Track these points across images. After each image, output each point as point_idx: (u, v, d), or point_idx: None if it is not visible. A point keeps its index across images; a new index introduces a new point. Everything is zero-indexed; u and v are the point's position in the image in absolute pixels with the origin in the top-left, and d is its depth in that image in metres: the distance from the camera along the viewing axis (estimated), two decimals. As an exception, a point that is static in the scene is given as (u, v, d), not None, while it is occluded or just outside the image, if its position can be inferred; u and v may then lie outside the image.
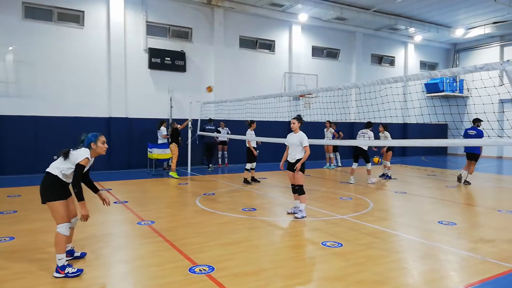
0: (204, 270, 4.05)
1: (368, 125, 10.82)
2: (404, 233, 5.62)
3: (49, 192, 3.95)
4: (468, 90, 20.66)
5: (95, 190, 4.30)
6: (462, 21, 18.44)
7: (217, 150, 14.58)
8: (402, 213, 7.24)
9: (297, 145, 6.50)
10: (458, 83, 20.96)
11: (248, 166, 10.33)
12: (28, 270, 4.04)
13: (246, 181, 10.27)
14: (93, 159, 4.11)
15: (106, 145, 4.17)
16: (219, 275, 3.91)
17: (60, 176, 3.98)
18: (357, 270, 4.11)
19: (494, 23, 18.50)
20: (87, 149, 4.04)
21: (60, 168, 3.98)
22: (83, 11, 12.73)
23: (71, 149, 4.04)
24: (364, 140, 10.45)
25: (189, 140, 12.95)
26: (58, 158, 4.04)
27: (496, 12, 16.64)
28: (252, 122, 10.32)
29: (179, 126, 11.96)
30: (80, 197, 3.90)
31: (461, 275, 4.08)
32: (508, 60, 4.45)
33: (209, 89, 12.72)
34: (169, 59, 14.00)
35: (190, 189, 9.73)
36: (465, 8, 16.47)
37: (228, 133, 13.88)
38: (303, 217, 6.42)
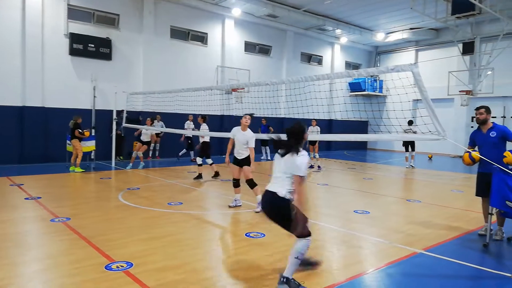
0: (121, 266, 3.90)
1: (410, 122, 12.62)
2: (323, 222, 5.93)
3: None
4: (386, 90, 22.31)
5: None
6: (382, 25, 19.85)
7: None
8: (322, 204, 7.62)
9: (243, 143, 6.47)
10: (378, 83, 22.53)
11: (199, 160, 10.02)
12: None
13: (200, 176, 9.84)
14: None
15: None
16: (138, 271, 3.79)
17: None
18: (278, 259, 4.24)
19: (411, 29, 20.17)
20: None
21: None
22: (-9, -13, 11.43)
23: None
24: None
25: (113, 133, 12.31)
26: None
27: (412, 19, 18.14)
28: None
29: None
30: None
31: (371, 260, 4.42)
32: (415, 63, 4.89)
33: None
34: (93, 46, 13.13)
35: (114, 183, 9.28)
36: (385, 13, 17.75)
37: (162, 127, 13.38)
38: None
